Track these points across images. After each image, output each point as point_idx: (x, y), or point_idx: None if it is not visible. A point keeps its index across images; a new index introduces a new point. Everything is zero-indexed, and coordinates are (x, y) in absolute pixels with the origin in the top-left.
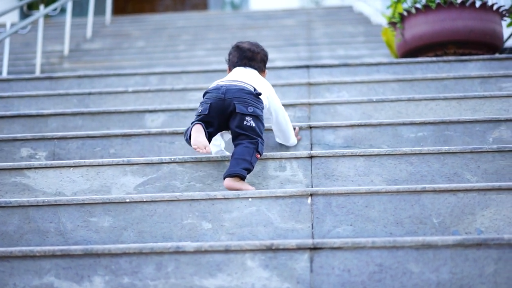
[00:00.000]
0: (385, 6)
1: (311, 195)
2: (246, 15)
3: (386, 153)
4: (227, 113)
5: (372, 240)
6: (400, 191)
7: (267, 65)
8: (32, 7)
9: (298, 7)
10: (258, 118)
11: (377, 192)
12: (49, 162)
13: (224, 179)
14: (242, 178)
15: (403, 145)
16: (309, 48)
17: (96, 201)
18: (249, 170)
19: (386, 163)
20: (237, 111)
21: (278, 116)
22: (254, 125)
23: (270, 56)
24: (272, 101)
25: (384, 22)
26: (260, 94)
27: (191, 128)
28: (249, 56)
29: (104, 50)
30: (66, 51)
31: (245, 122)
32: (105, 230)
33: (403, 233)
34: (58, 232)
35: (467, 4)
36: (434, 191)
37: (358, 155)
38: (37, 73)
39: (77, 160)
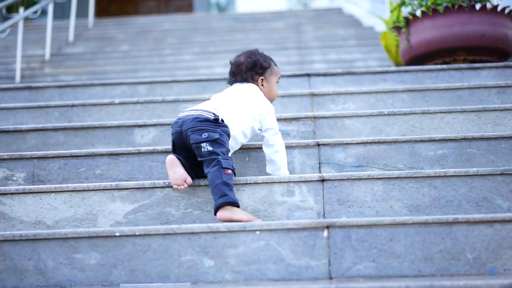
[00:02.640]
0: (374, 8)
1: (327, 227)
2: (233, 18)
3: (407, 176)
4: (188, 146)
5: (406, 286)
6: (429, 223)
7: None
8: (11, 9)
9: (287, 10)
10: (215, 141)
11: (403, 224)
12: (28, 187)
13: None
14: (231, 204)
15: (421, 164)
16: (299, 52)
17: (81, 235)
18: (227, 194)
19: (407, 186)
20: (191, 142)
21: (274, 136)
22: (211, 148)
23: None
24: (264, 119)
25: (377, 24)
26: (218, 119)
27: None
28: (233, 70)
29: (86, 54)
30: (47, 56)
31: (202, 150)
32: (91, 268)
33: (433, 270)
34: (38, 271)
35: (478, 7)
36: (468, 222)
37: (376, 178)
38: (17, 79)
39: (59, 185)
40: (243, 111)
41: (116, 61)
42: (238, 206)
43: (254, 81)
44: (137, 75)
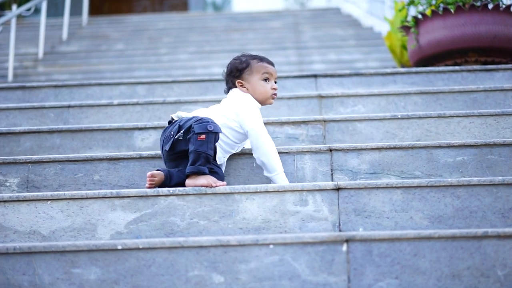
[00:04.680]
0: (373, 8)
1: (347, 241)
2: (229, 17)
3: (428, 185)
4: (175, 157)
5: None
6: (457, 237)
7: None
8: (4, 6)
9: (284, 9)
10: (181, 126)
11: (429, 238)
12: (22, 195)
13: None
14: (197, 174)
15: (439, 172)
16: (298, 52)
17: (80, 248)
18: (194, 163)
19: (428, 196)
20: (166, 149)
21: (257, 136)
22: (184, 129)
23: None
24: (241, 119)
25: (376, 24)
26: (171, 121)
27: None
28: (223, 79)
29: (81, 53)
30: (40, 54)
31: (179, 137)
32: (91, 284)
33: None
34: (33, 287)
35: (490, 7)
36: (498, 236)
37: (395, 187)
38: (10, 78)
39: (56, 192)
40: (214, 111)
41: (111, 60)
42: (204, 174)
43: (234, 86)
44: (133, 75)
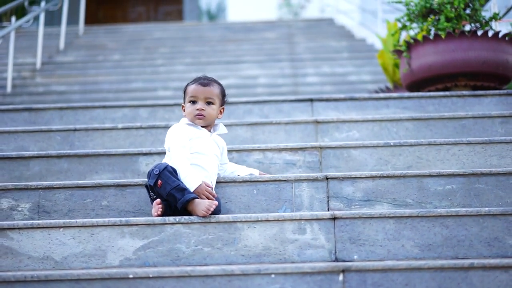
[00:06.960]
0: (365, 19)
1: (343, 271)
2: (225, 27)
3: (419, 215)
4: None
5: None
6: (445, 268)
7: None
8: (2, 17)
9: (278, 19)
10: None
11: (419, 268)
12: (36, 222)
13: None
14: (190, 201)
15: (429, 199)
16: (292, 64)
17: (94, 277)
18: (178, 198)
19: (419, 225)
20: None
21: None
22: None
23: (252, 72)
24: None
25: (368, 36)
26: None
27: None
28: None
29: (78, 63)
30: (38, 64)
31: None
32: None
33: None
34: None
35: (479, 33)
36: (484, 267)
37: (388, 217)
38: (8, 89)
39: (68, 220)
40: None
41: (108, 71)
42: (193, 198)
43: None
44: (130, 86)
